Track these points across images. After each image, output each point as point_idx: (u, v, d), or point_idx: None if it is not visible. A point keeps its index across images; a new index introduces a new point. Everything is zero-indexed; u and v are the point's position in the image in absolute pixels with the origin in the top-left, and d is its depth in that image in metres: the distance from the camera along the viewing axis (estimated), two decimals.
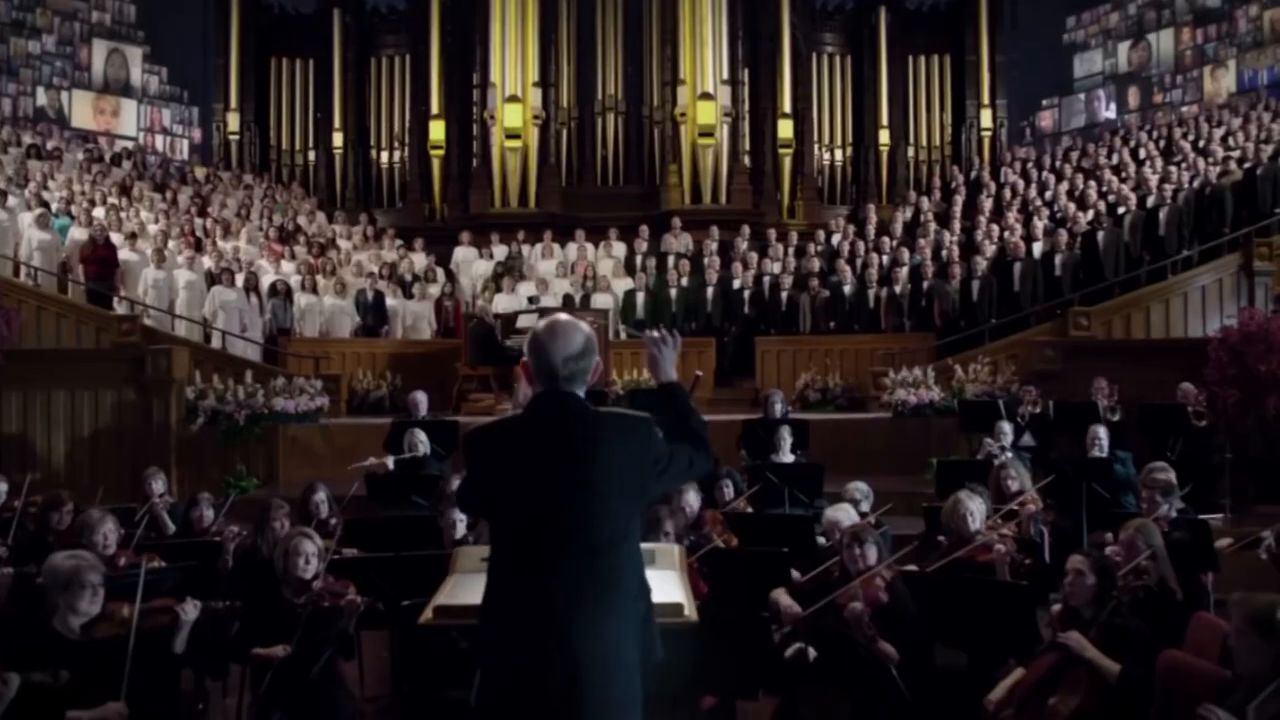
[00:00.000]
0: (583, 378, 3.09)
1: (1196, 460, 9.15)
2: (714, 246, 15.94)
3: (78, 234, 13.64)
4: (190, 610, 4.24)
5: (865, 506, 6.70)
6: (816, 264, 14.98)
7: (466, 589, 3.44)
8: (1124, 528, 4.78)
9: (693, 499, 6.14)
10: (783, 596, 4.79)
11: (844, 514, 5.85)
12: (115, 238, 13.68)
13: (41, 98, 19.66)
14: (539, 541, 2.99)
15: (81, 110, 20.11)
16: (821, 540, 5.85)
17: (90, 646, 3.94)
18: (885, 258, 14.95)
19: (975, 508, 5.51)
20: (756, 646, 4.15)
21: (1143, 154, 16.14)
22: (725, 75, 18.33)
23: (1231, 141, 15.37)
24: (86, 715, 3.84)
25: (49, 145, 17.30)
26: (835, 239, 16.09)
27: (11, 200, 13.77)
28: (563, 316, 3.18)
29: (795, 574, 5.29)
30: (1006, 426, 8.80)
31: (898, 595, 4.52)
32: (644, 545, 3.31)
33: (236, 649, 4.65)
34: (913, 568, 5.25)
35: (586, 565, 2.96)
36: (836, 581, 4.73)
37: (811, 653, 4.68)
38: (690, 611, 3.33)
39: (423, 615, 3.34)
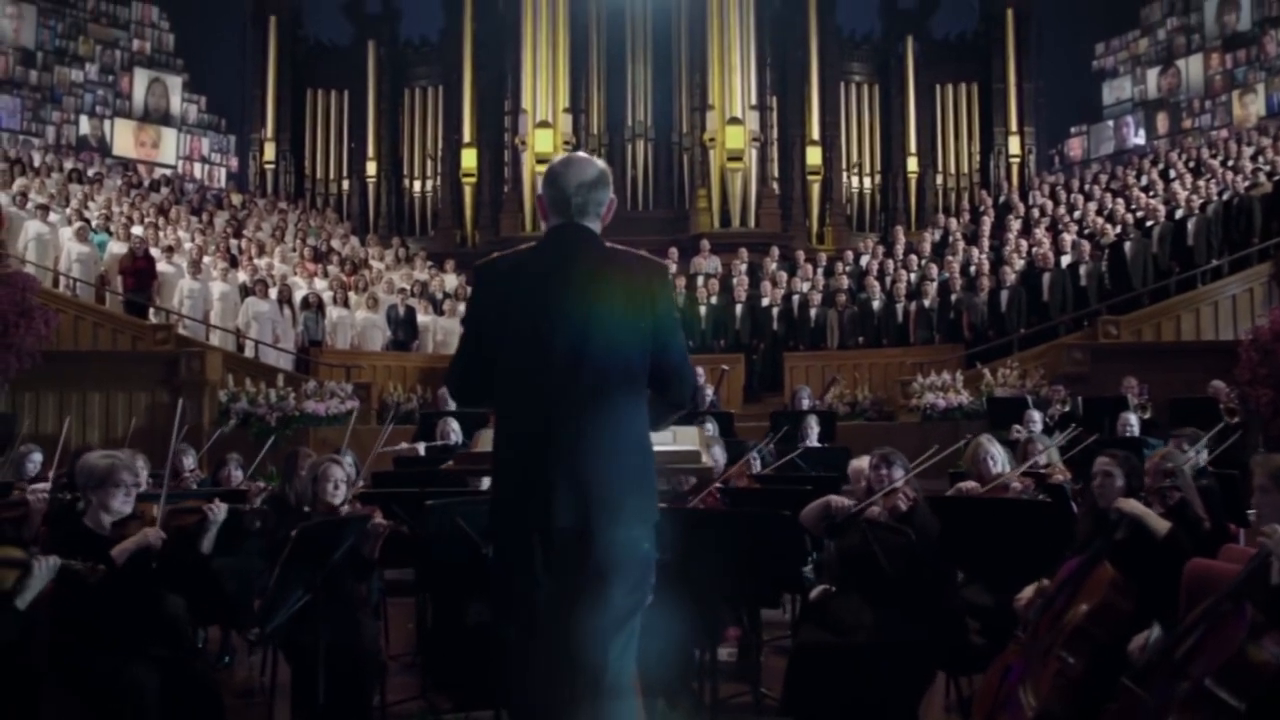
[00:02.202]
0: (596, 210, 3.05)
1: (1229, 455, 9.07)
2: (743, 267, 15.99)
3: (116, 248, 13.84)
4: (219, 511, 4.28)
5: None
6: (845, 282, 15.00)
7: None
8: (1150, 457, 4.76)
9: (719, 454, 6.13)
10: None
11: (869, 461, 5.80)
12: (153, 251, 13.88)
13: (85, 126, 20.09)
14: (541, 374, 2.90)
15: (123, 139, 20.53)
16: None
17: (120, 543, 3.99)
18: (913, 275, 14.95)
19: (996, 452, 5.45)
20: (782, 550, 4.12)
21: (1172, 174, 16.09)
22: (754, 101, 18.56)
23: (1261, 159, 15.30)
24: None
25: (90, 172, 17.65)
26: (864, 260, 16.11)
27: (53, 215, 14.03)
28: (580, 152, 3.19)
29: None
30: (1036, 414, 8.78)
31: (919, 511, 4.49)
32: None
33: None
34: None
35: (589, 405, 2.88)
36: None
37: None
38: (707, 460, 3.35)
39: (445, 464, 3.38)
